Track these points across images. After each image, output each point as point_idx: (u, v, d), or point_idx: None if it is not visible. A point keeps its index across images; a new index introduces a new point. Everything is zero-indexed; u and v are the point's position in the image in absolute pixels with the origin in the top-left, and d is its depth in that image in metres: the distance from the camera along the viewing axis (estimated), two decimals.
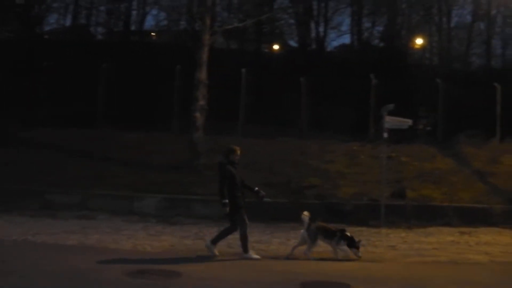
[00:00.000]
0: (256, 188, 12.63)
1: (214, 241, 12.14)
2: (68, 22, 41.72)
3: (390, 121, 16.71)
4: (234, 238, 13.21)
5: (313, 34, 44.82)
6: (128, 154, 20.62)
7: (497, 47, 48.95)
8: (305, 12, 43.32)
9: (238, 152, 12.42)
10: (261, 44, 43.88)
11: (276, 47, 43.88)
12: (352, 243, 12.10)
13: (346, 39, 47.97)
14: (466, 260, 12.30)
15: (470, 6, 47.24)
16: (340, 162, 20.25)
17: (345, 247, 12.10)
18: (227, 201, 11.84)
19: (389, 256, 12.54)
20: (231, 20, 36.01)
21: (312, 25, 44.33)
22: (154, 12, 47.94)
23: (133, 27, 43.56)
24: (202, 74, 20.58)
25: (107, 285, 9.24)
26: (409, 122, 16.96)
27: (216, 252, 12.02)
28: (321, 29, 44.95)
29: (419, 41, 44.59)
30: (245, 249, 11.96)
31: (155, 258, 11.71)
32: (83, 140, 21.45)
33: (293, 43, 45.67)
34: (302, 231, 12.36)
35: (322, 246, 12.41)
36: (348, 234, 12.25)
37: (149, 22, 64.27)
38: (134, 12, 42.68)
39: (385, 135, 16.81)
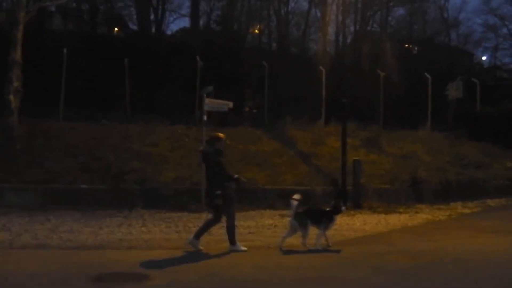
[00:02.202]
0: (236, 176, 11.74)
1: (197, 236, 11.35)
2: None
3: (210, 104, 16.33)
4: (40, 229, 12.35)
5: (152, 17, 43.99)
6: None
7: (332, 34, 50.39)
8: None
9: (224, 139, 11.75)
10: (97, 26, 42.41)
11: (116, 29, 42.73)
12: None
13: (187, 23, 47.66)
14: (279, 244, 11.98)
15: None
16: (164, 146, 19.58)
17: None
18: (220, 192, 11.05)
19: (201, 242, 11.94)
20: None
21: (151, 7, 43.45)
22: None
23: None
24: (17, 54, 19.13)
25: None
26: (229, 104, 16.62)
27: (201, 247, 11.26)
28: (160, 11, 44.27)
29: (256, 26, 44.89)
30: (232, 240, 11.30)
31: None
32: None
33: (133, 26, 44.63)
34: (289, 218, 11.78)
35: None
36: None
37: None
38: None
39: (205, 117, 16.38)
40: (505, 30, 57.33)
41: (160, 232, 13.10)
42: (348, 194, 17.14)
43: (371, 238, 12.90)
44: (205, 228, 11.50)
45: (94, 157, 18.09)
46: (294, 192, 16.42)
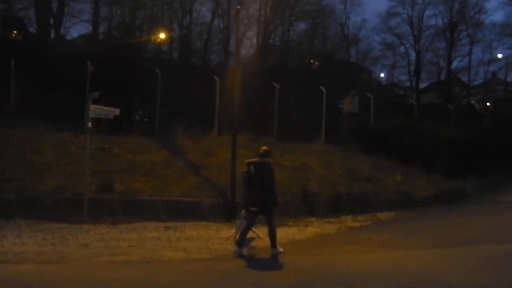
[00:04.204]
0: None
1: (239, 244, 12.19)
2: None
3: (95, 110, 15.66)
4: None
5: (52, 21, 42.77)
6: None
7: (233, 45, 50.29)
8: None
9: None
10: None
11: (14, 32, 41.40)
12: None
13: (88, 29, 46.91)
14: (159, 258, 11.42)
15: (209, 4, 48.08)
16: (48, 153, 18.60)
17: None
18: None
19: (77, 256, 11.32)
20: None
21: (51, 11, 42.21)
22: None
23: None
24: None
25: None
26: (116, 111, 16.01)
27: (245, 252, 12.10)
28: (60, 16, 43.10)
29: (158, 35, 44.29)
30: (274, 244, 12.24)
31: None
32: None
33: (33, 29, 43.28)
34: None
35: None
36: None
37: None
38: None
39: (89, 124, 15.72)
40: (402, 49, 59.05)
41: (35, 245, 12.32)
42: (237, 207, 16.78)
43: (256, 253, 12.52)
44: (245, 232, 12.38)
45: None
46: (181, 203, 16.25)
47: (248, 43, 50.58)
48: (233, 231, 13.71)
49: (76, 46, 37.64)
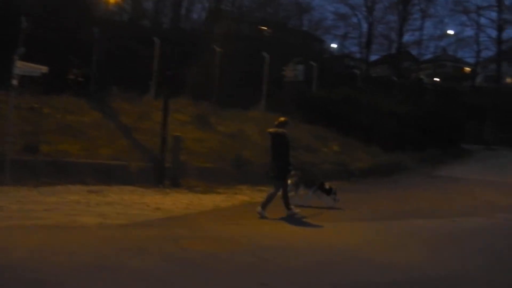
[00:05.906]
0: None
1: (264, 206, 13.03)
2: None
3: (21, 67, 15.01)
4: None
5: None
6: None
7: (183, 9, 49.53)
8: None
9: None
10: None
11: None
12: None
13: None
14: (71, 223, 10.90)
15: None
16: None
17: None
18: (291, 167, 13.49)
19: None
20: None
21: None
22: None
23: None
24: None
25: None
26: (43, 69, 15.42)
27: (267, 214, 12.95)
28: None
29: None
30: (288, 205, 13.22)
31: None
32: None
33: None
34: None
35: None
36: None
37: None
38: None
39: (15, 82, 15.08)
40: (354, 20, 58.87)
41: None
42: (166, 172, 16.47)
43: (176, 220, 12.12)
44: (270, 199, 13.14)
45: None
46: (108, 167, 15.80)
47: (200, 7, 49.95)
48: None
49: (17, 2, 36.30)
